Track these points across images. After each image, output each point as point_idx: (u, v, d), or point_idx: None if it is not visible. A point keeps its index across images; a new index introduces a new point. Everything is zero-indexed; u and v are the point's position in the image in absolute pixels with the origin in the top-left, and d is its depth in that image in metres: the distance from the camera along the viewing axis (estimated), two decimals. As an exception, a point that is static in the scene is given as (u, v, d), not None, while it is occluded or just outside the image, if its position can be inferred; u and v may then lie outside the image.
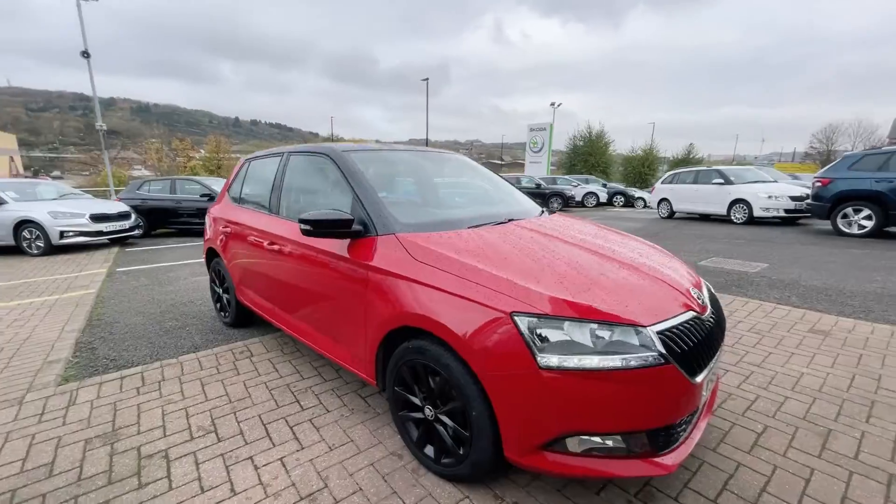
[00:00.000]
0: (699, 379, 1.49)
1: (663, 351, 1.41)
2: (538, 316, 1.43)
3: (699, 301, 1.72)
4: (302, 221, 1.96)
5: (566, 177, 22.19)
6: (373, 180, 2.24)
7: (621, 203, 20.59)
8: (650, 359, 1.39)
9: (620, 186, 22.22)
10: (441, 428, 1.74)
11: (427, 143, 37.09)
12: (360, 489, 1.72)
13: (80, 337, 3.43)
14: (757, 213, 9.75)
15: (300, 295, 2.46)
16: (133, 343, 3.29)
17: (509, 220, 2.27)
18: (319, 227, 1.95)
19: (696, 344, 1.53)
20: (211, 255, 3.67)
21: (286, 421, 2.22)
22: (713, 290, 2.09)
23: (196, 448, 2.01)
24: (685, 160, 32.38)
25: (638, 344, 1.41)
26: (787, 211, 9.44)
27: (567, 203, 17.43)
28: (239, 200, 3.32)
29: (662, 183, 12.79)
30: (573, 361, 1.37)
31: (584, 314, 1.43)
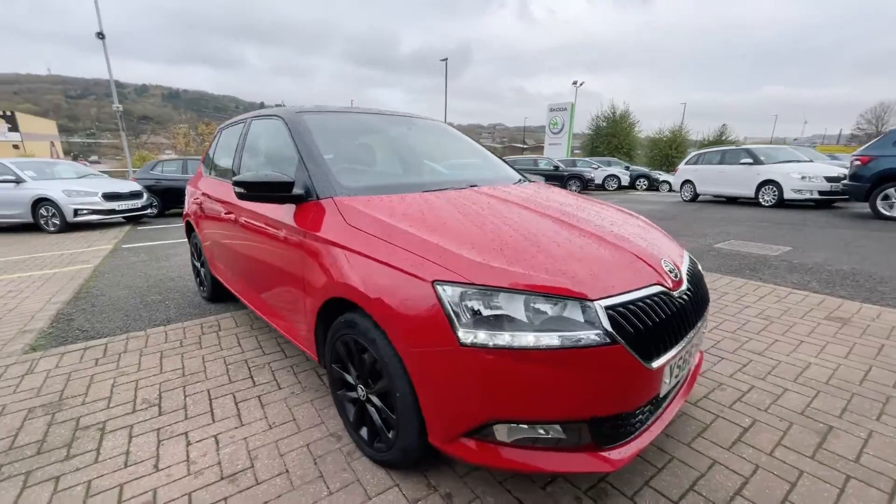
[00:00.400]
0: (657, 364, 1.27)
1: (609, 329, 1.19)
2: (464, 285, 1.23)
3: (672, 275, 1.47)
4: (236, 184, 1.81)
5: (587, 159, 21.37)
6: (325, 143, 2.07)
7: (645, 186, 19.73)
8: (593, 337, 1.18)
9: (644, 169, 21.25)
10: (372, 409, 1.58)
11: (446, 125, 36.45)
12: (287, 471, 1.60)
13: (63, 308, 3.45)
14: (787, 194, 9.04)
15: (255, 266, 2.33)
16: (110, 315, 3.27)
17: (471, 186, 2.05)
18: (253, 190, 1.79)
19: (659, 323, 1.31)
20: (189, 228, 3.60)
21: (234, 397, 2.12)
22: (697, 266, 1.83)
23: (135, 421, 1.93)
24: (717, 142, 30.65)
25: (583, 320, 1.20)
26: (821, 193, 8.69)
27: (586, 186, 16.82)
28: (209, 171, 3.21)
29: (686, 164, 12.06)
30: (501, 339, 1.17)
31: (521, 285, 1.22)
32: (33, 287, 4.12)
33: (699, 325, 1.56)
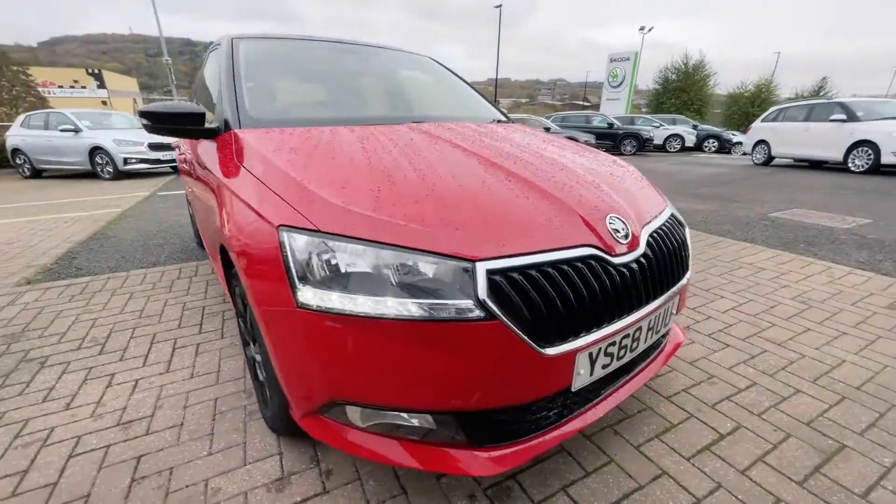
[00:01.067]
0: (557, 351, 0.95)
1: (485, 299, 0.89)
2: (311, 233, 0.97)
3: (618, 235, 1.10)
4: (141, 115, 1.62)
5: (648, 116, 19.27)
6: (253, 71, 1.82)
7: (714, 148, 17.48)
8: (463, 309, 0.89)
9: (715, 129, 18.78)
10: (260, 370, 1.42)
11: (496, 82, 34.57)
12: (182, 424, 1.51)
13: (73, 248, 3.65)
14: (886, 158, 7.48)
15: (197, 206, 2.22)
16: (109, 256, 3.40)
17: (415, 122, 1.73)
18: (160, 122, 1.60)
19: (577, 296, 0.97)
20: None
21: (175, 342, 2.08)
22: (680, 229, 1.41)
23: (74, 358, 1.94)
24: (813, 98, 26.23)
25: (456, 286, 0.91)
26: (934, 157, 7.09)
27: (643, 146, 15.22)
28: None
29: (763, 121, 10.39)
30: (344, 302, 0.91)
31: (379, 237, 0.94)
32: (62, 226, 4.43)
33: (660, 301, 1.19)
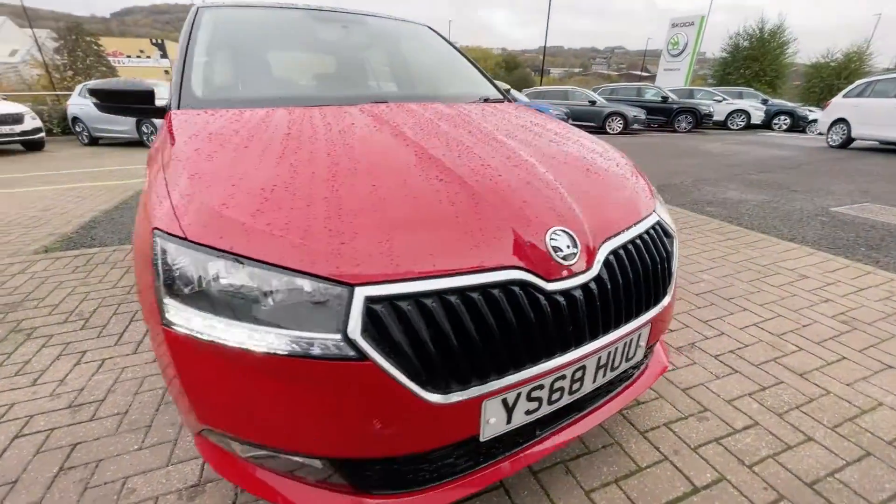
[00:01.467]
0: (446, 400, 0.78)
1: (356, 337, 0.73)
2: (181, 241, 0.84)
3: (559, 255, 0.89)
4: (91, 92, 1.56)
5: (710, 89, 17.39)
6: (210, 44, 1.69)
7: (785, 126, 15.54)
8: (330, 345, 0.74)
9: (789, 104, 16.67)
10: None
11: (545, 51, 32.60)
12: (126, 412, 1.50)
13: (97, 216, 3.84)
14: None
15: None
16: (125, 227, 3.54)
17: (376, 101, 1.54)
18: (108, 100, 1.54)
19: (484, 333, 0.80)
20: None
21: (152, 322, 2.10)
22: (665, 242, 1.15)
23: (57, 332, 2.01)
24: (917, 68, 22.49)
25: (331, 316, 0.76)
26: None
27: (700, 122, 13.79)
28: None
29: (845, 96, 9.03)
30: (205, 327, 0.79)
31: (250, 250, 0.80)
32: (96, 195, 4.68)
33: (619, 334, 0.98)
